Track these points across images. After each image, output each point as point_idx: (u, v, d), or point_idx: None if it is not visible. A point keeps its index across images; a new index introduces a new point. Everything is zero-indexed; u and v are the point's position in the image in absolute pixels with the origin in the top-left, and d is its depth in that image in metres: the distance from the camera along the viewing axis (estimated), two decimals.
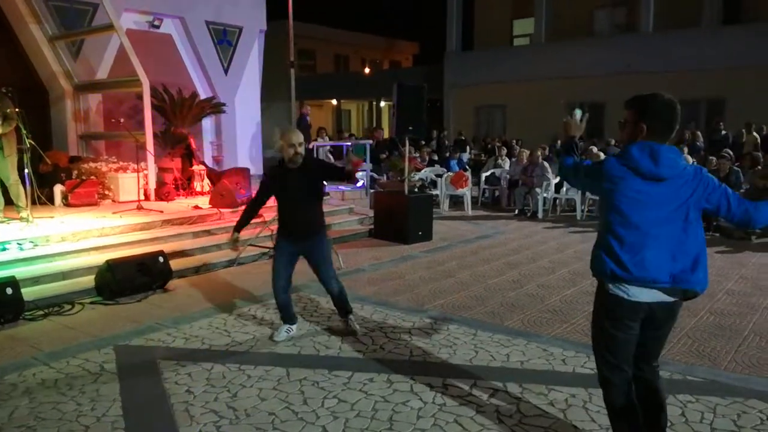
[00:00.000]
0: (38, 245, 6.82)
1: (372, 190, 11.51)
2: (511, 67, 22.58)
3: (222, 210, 8.84)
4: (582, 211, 11.40)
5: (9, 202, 7.78)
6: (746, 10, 19.74)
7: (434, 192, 12.09)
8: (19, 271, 6.03)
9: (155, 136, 10.51)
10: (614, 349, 2.87)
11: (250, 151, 14.94)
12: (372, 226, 9.53)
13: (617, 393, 2.91)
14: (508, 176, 12.99)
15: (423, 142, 17.39)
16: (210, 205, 9.14)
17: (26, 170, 7.53)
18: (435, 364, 4.40)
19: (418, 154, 14.33)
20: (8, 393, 3.96)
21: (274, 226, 8.31)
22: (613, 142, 15.24)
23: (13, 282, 5.39)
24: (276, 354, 4.63)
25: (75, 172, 9.79)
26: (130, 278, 6.08)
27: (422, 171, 12.88)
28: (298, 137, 4.66)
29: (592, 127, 20.56)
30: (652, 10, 20.18)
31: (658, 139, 2.74)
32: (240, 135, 14.57)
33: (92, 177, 9.78)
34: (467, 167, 14.20)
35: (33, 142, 7.65)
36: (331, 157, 14.35)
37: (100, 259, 6.46)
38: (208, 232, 8.24)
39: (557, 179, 11.75)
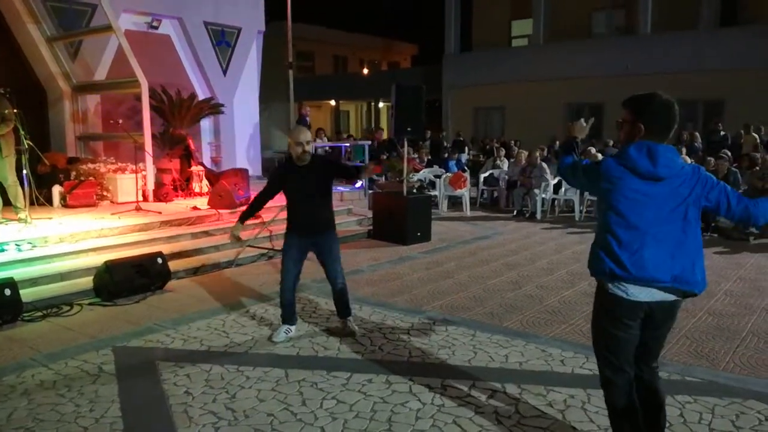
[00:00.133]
0: (36, 246, 6.82)
1: (371, 191, 11.52)
2: (510, 68, 22.59)
3: (220, 211, 8.83)
4: (580, 211, 11.42)
5: (7, 203, 7.77)
6: (743, 12, 19.77)
7: (433, 193, 12.10)
8: (18, 272, 6.03)
9: (154, 137, 10.51)
10: (615, 349, 2.87)
11: (248, 152, 14.95)
12: (371, 227, 9.53)
13: (619, 394, 2.91)
14: (506, 177, 13.00)
15: (421, 143, 17.41)
16: (208, 206, 9.14)
17: (24, 171, 7.52)
18: (434, 365, 4.40)
19: (416, 155, 14.35)
20: (7, 394, 3.95)
21: (273, 227, 8.36)
22: (611, 143, 15.26)
23: (11, 283, 5.38)
24: (275, 355, 4.63)
25: (73, 173, 9.78)
26: (128, 279, 6.07)
27: (421, 172, 12.89)
28: (306, 135, 4.72)
29: (591, 127, 20.63)
30: (650, 12, 20.21)
31: (656, 139, 2.74)
32: (238, 136, 14.58)
33: (91, 178, 9.77)
34: (466, 168, 14.22)
35: (31, 143, 7.64)
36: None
37: (98, 260, 6.46)
38: (207, 233, 8.24)
39: (556, 180, 11.76)
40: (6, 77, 8.94)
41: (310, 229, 4.83)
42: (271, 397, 3.89)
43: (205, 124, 13.79)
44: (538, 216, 11.48)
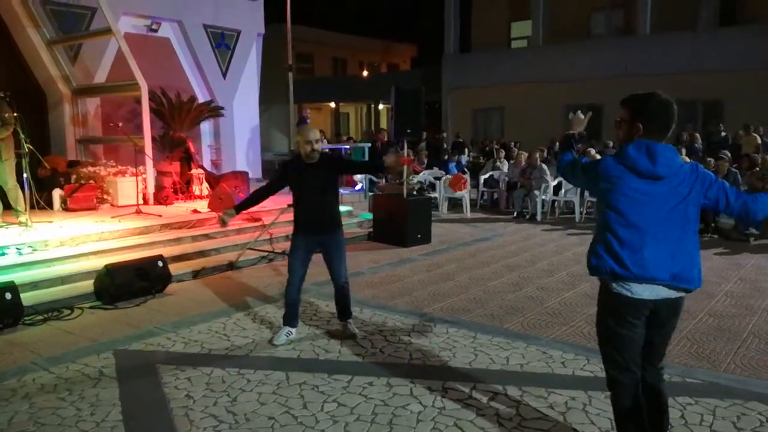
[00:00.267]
0: (37, 250, 6.82)
1: (371, 193, 11.52)
2: (509, 70, 22.59)
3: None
4: (581, 213, 11.42)
5: (8, 206, 7.78)
6: (743, 12, 19.78)
7: (433, 195, 12.10)
8: (18, 276, 6.03)
9: (154, 140, 10.51)
10: (621, 348, 2.87)
11: (248, 155, 14.95)
12: (371, 229, 9.53)
13: (625, 394, 2.91)
14: (506, 178, 13.01)
15: (419, 146, 17.40)
16: (209, 209, 9.14)
17: (25, 175, 7.52)
18: (434, 368, 4.40)
19: (415, 157, 14.34)
20: (8, 398, 3.95)
21: (273, 230, 8.36)
22: (611, 144, 15.26)
23: (12, 287, 5.38)
24: (275, 358, 4.63)
25: (74, 177, 9.78)
26: (129, 283, 6.07)
27: (421, 174, 12.89)
28: (315, 134, 4.76)
29: (591, 128, 20.66)
30: (649, 12, 20.22)
31: (655, 138, 2.76)
32: (238, 138, 14.58)
33: (91, 181, 9.78)
34: (466, 170, 14.22)
35: (31, 147, 7.65)
36: None
37: (99, 263, 6.46)
38: (207, 236, 8.25)
39: (556, 181, 11.77)
40: (6, 81, 8.95)
41: (318, 227, 4.85)
42: (272, 400, 3.89)
43: (205, 126, 13.79)
44: (539, 217, 11.48)
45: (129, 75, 9.76)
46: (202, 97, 13.14)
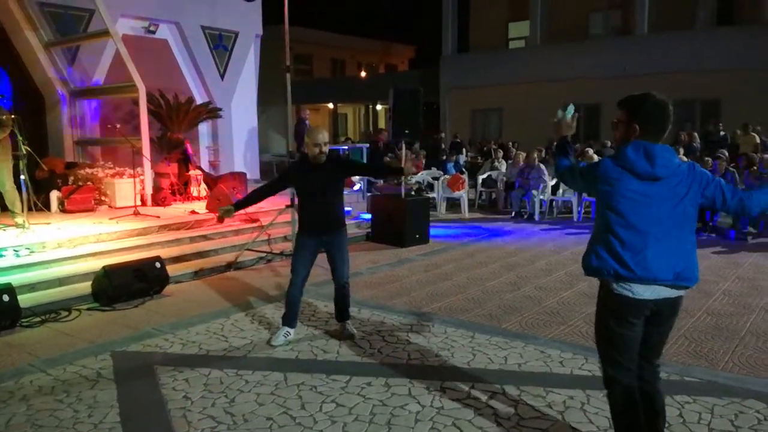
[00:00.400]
0: (35, 252, 6.81)
1: (369, 194, 11.52)
2: (507, 70, 22.60)
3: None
4: (579, 212, 11.42)
5: (5, 208, 7.77)
6: (740, 12, 19.82)
7: (431, 195, 12.10)
8: (16, 278, 6.02)
9: (151, 141, 10.51)
10: (621, 347, 2.88)
11: (246, 156, 14.93)
12: (369, 230, 9.53)
13: (623, 392, 2.91)
14: (504, 178, 13.02)
15: (415, 147, 17.39)
16: (207, 210, 9.14)
17: (22, 176, 7.51)
18: (433, 367, 4.40)
19: (414, 156, 14.35)
20: (5, 400, 3.94)
21: (271, 231, 8.36)
22: (609, 143, 15.27)
23: (9, 289, 5.37)
24: (274, 359, 4.62)
25: (71, 178, 9.77)
26: (126, 284, 6.07)
27: (419, 174, 12.89)
28: (324, 136, 4.77)
29: (589, 128, 20.69)
30: (647, 13, 20.24)
31: (651, 139, 2.76)
32: (236, 140, 14.57)
33: (89, 183, 9.77)
34: (464, 170, 14.22)
35: (29, 149, 7.64)
36: None
37: (96, 265, 6.46)
38: (205, 237, 8.24)
39: (554, 181, 11.77)
40: None
41: (323, 227, 4.86)
42: (270, 401, 3.89)
43: (203, 128, 13.78)
44: (537, 217, 11.48)
45: (127, 77, 9.75)
46: (200, 99, 13.13)
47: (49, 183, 9.32)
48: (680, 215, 2.74)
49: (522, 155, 12.74)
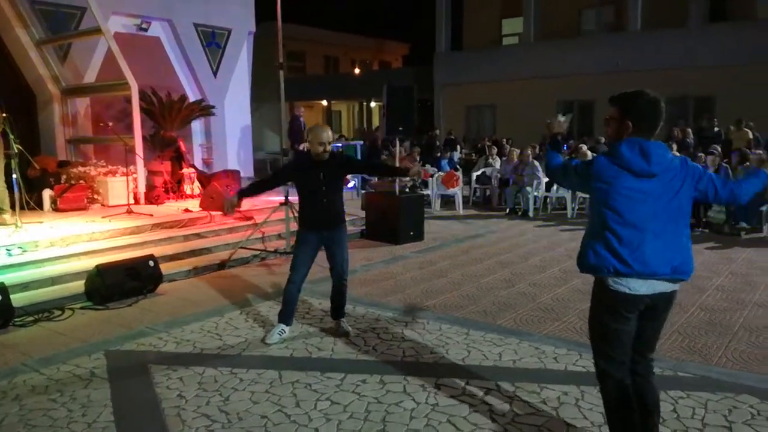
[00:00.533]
0: (27, 251, 6.77)
1: (363, 191, 11.51)
2: (501, 67, 22.62)
3: (212, 213, 8.80)
4: (573, 209, 11.45)
5: None
6: (732, 8, 19.87)
7: (425, 192, 12.10)
8: (8, 277, 5.98)
9: (144, 139, 10.45)
10: (614, 342, 2.90)
11: (240, 154, 14.89)
12: (363, 227, 9.52)
13: (615, 387, 2.93)
14: (498, 175, 13.03)
15: (415, 144, 17.39)
16: (200, 208, 9.09)
17: (14, 175, 7.47)
18: (428, 364, 4.40)
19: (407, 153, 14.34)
20: None
21: (265, 229, 8.34)
22: (603, 140, 15.29)
23: (2, 288, 5.34)
24: (268, 357, 4.62)
25: (64, 177, 9.72)
26: (120, 283, 6.04)
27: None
28: (328, 135, 4.77)
29: (582, 125, 20.72)
30: (639, 9, 20.28)
31: (644, 136, 2.79)
32: (230, 137, 14.51)
33: (81, 181, 9.71)
34: (458, 167, 14.23)
35: (21, 147, 7.59)
36: None
37: (89, 264, 6.42)
38: (199, 235, 8.21)
39: (547, 178, 11.79)
40: None
41: (325, 224, 4.87)
42: (265, 399, 3.88)
43: (196, 125, 13.72)
44: (531, 214, 11.50)
45: (119, 74, 9.69)
46: (192, 96, 13.07)
47: (42, 182, 9.26)
48: (675, 209, 2.77)
49: (516, 152, 12.75)
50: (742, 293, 6.12)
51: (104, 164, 10.39)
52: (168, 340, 4.99)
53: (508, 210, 11.90)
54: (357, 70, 33.87)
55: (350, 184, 13.03)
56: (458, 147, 19.02)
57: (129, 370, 4.40)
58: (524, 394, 3.88)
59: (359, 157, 13.77)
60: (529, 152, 12.24)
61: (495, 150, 14.72)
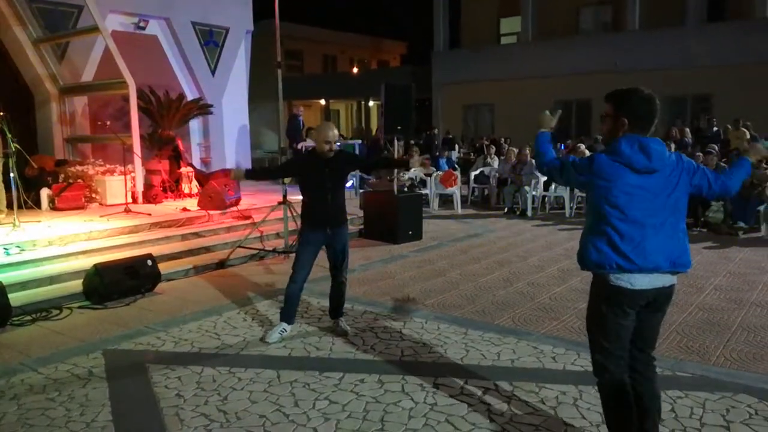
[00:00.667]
0: (25, 250, 6.77)
1: (361, 190, 11.50)
2: (499, 66, 22.63)
3: (210, 212, 8.80)
4: (571, 208, 11.45)
5: None
6: (731, 8, 19.91)
7: (424, 191, 12.10)
8: (6, 276, 5.97)
9: (142, 138, 10.44)
10: (613, 337, 2.91)
11: (238, 153, 14.88)
12: (362, 226, 9.52)
13: (612, 381, 2.94)
14: (497, 175, 13.03)
15: (412, 142, 17.40)
16: (198, 207, 9.10)
17: (12, 174, 7.46)
18: (426, 364, 4.40)
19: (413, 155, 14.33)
20: None
21: (264, 228, 8.33)
22: (600, 139, 15.30)
23: None
24: (266, 356, 4.61)
25: (61, 176, 9.71)
26: (118, 282, 6.03)
27: (411, 170, 12.87)
28: (334, 134, 4.80)
29: (580, 124, 20.73)
30: (637, 9, 20.30)
31: (640, 133, 2.82)
32: (228, 136, 14.51)
33: (79, 180, 9.71)
34: (456, 166, 14.23)
35: (18, 146, 7.58)
36: None
37: (87, 263, 6.41)
38: (197, 235, 8.21)
39: (546, 177, 11.78)
40: None
41: (330, 221, 4.87)
42: (263, 399, 3.88)
43: (194, 124, 13.71)
44: (529, 213, 11.50)
45: (117, 73, 9.68)
46: (190, 95, 13.06)
47: (39, 181, 9.26)
48: (673, 204, 2.82)
49: (514, 151, 12.76)
50: (740, 293, 6.13)
51: (102, 163, 10.38)
52: (166, 339, 4.99)
53: (506, 209, 11.90)
54: (355, 69, 33.86)
55: (348, 184, 13.02)
56: (456, 146, 19.03)
57: (127, 369, 4.39)
58: (522, 393, 3.88)
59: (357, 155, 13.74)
60: (528, 152, 12.23)
61: (493, 149, 14.72)
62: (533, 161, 11.94)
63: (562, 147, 15.60)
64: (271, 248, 8.02)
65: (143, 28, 12.48)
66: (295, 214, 7.53)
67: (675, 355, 4.50)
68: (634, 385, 3.01)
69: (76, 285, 6.16)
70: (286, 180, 8.29)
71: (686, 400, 3.75)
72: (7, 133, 7.35)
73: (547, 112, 3.29)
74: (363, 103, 34.22)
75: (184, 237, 8.05)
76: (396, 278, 6.91)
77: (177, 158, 11.03)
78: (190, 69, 13.48)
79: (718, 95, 18.56)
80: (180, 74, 13.43)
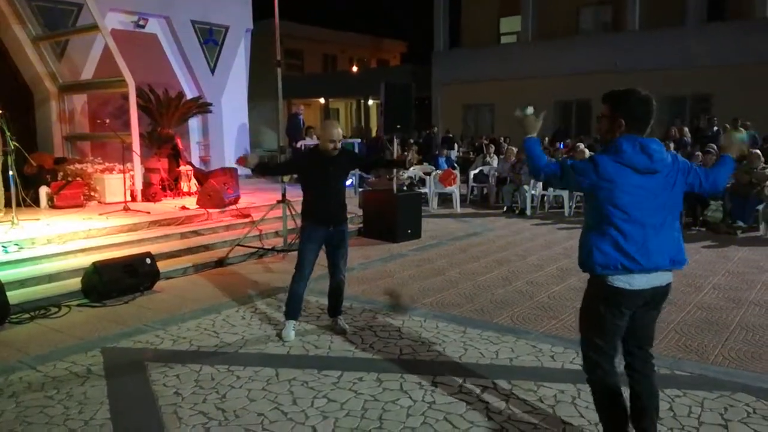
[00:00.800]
0: (24, 248, 6.76)
1: (360, 189, 11.50)
2: (499, 66, 22.62)
3: (209, 210, 8.80)
4: (570, 207, 11.46)
5: None
6: (731, 8, 19.90)
7: (423, 190, 12.10)
8: (5, 274, 5.96)
9: (141, 136, 10.43)
10: (608, 335, 2.92)
11: (237, 151, 14.87)
12: (361, 225, 9.52)
13: (604, 376, 2.95)
14: (496, 174, 13.03)
15: (411, 141, 17.40)
16: (197, 206, 9.09)
17: (11, 172, 7.45)
18: (424, 362, 4.40)
19: (408, 154, 14.33)
20: None
21: (263, 227, 8.33)
22: (599, 138, 15.30)
23: None
24: (265, 354, 4.61)
25: (60, 174, 9.69)
26: (117, 280, 6.03)
27: (411, 169, 12.88)
28: (339, 133, 4.81)
29: (580, 124, 20.73)
30: (637, 9, 20.30)
31: (636, 133, 2.82)
32: (227, 135, 14.51)
33: (78, 178, 9.70)
34: (456, 165, 14.23)
35: (17, 144, 7.57)
36: None
37: (86, 261, 6.41)
38: (196, 233, 8.20)
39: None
40: None
41: (332, 219, 4.88)
42: (262, 397, 3.88)
43: (194, 123, 13.71)
44: (528, 212, 11.50)
45: (116, 71, 9.68)
46: (190, 94, 13.06)
47: (38, 178, 9.25)
48: (671, 203, 2.85)
49: (514, 150, 12.76)
50: (739, 292, 6.13)
51: (101, 161, 10.38)
52: (165, 337, 4.99)
53: (505, 208, 11.90)
54: (355, 68, 33.84)
55: (348, 182, 13.03)
56: (456, 145, 19.02)
57: (126, 367, 4.39)
58: (521, 391, 3.88)
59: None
60: None
61: (492, 148, 14.72)
62: None
63: (562, 146, 15.60)
64: (270, 247, 8.02)
65: (143, 27, 12.48)
66: (294, 212, 7.53)
67: (673, 353, 4.51)
68: (632, 383, 3.02)
69: (75, 283, 6.16)
70: (285, 178, 8.29)
71: (684, 398, 3.75)
72: (6, 131, 7.35)
73: (529, 112, 3.14)
74: (362, 102, 34.21)
75: (183, 235, 8.04)
76: (395, 277, 6.91)
77: (176, 157, 11.02)
78: (190, 67, 13.49)
79: (718, 95, 18.56)
80: (179, 73, 13.43)
